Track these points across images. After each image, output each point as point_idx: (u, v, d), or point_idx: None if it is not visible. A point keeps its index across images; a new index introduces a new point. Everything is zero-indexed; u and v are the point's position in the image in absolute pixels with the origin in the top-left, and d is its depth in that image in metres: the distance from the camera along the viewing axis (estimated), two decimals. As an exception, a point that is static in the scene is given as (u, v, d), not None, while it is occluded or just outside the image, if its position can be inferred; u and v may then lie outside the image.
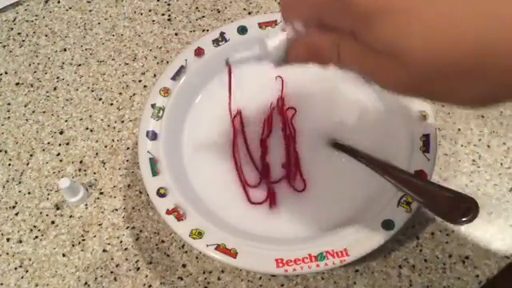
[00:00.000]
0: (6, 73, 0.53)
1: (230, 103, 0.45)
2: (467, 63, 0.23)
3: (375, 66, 0.26)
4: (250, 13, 0.54)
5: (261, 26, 0.46)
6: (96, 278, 0.42)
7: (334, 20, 0.27)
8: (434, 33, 0.23)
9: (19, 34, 0.55)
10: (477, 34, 0.22)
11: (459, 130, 0.46)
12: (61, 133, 0.49)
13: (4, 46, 0.55)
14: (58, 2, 0.57)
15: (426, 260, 0.41)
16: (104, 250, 0.43)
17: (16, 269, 0.43)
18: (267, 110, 0.45)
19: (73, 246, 0.43)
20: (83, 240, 0.43)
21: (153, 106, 0.43)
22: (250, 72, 0.46)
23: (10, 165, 0.47)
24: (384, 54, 0.25)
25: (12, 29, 0.56)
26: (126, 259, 0.42)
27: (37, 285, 0.42)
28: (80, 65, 0.53)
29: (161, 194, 0.39)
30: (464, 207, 0.34)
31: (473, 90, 0.24)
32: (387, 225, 0.37)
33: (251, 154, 0.43)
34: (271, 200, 0.41)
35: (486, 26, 0.22)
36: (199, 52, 0.46)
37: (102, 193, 0.45)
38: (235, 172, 0.42)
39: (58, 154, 0.48)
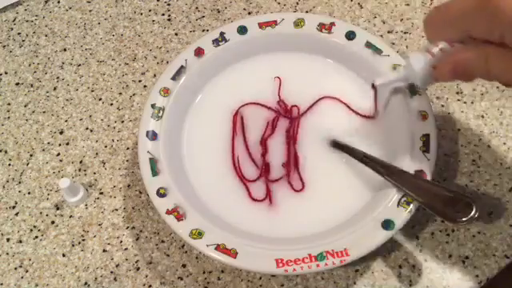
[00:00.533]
0: (5, 73, 0.53)
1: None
2: None
3: None
4: (249, 13, 0.54)
5: (261, 26, 0.46)
6: (96, 278, 0.42)
7: (482, 32, 0.27)
8: None
9: (19, 34, 0.55)
10: None
11: (459, 130, 0.46)
12: (61, 133, 0.49)
13: (4, 46, 0.55)
14: (58, 2, 0.57)
15: (425, 260, 0.41)
16: (104, 250, 0.43)
17: (16, 269, 0.43)
18: (271, 110, 0.45)
19: (73, 246, 0.43)
20: (83, 240, 0.43)
21: (153, 106, 0.43)
22: (250, 71, 0.47)
23: (10, 165, 0.47)
24: None
25: (12, 29, 0.56)
26: (126, 259, 0.42)
27: (37, 285, 0.42)
28: (80, 65, 0.53)
29: (161, 194, 0.39)
30: (464, 207, 0.34)
31: None
32: (387, 225, 0.37)
33: (251, 153, 0.43)
34: (270, 198, 0.41)
35: None
36: (199, 52, 0.46)
37: (101, 193, 0.45)
38: (235, 172, 0.42)
39: (58, 154, 0.48)
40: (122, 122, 0.49)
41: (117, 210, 0.44)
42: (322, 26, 0.45)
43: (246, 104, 0.45)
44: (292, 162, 0.42)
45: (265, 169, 0.42)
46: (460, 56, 0.30)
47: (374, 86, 0.38)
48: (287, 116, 0.45)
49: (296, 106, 0.45)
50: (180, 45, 0.53)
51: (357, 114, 0.44)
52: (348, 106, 0.44)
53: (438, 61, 0.32)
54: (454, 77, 0.31)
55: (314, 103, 0.45)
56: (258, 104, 0.45)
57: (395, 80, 0.36)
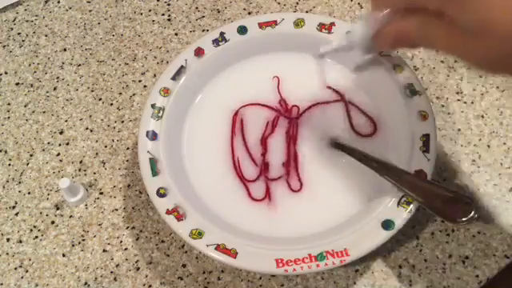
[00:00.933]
0: (5, 73, 0.53)
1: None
2: None
3: (462, 44, 0.27)
4: (249, 13, 0.54)
5: (261, 26, 0.46)
6: (96, 278, 0.42)
7: (421, 1, 0.28)
8: None
9: (19, 34, 0.55)
10: None
11: (459, 130, 0.46)
12: (61, 133, 0.49)
13: (4, 46, 0.55)
14: (58, 2, 0.57)
15: (425, 260, 0.41)
16: (104, 250, 0.43)
17: (16, 269, 0.43)
18: (271, 109, 0.45)
19: (73, 246, 0.43)
20: (83, 240, 0.43)
21: (153, 106, 0.43)
22: (250, 71, 0.47)
23: (10, 165, 0.47)
24: (472, 31, 0.25)
25: (12, 29, 0.56)
26: (126, 259, 0.42)
27: (37, 285, 0.42)
28: (80, 65, 0.53)
29: (161, 194, 0.39)
30: (464, 207, 0.34)
31: None
32: (387, 225, 0.37)
33: (251, 153, 0.43)
34: (270, 197, 0.41)
35: None
36: (199, 52, 0.46)
37: (101, 193, 0.45)
38: (235, 172, 0.42)
39: (58, 154, 0.48)
40: (122, 122, 0.49)
41: (117, 209, 0.44)
42: (321, 26, 0.45)
43: (247, 105, 0.45)
44: (292, 162, 0.42)
45: (264, 168, 0.42)
46: (401, 24, 0.31)
47: (320, 55, 0.39)
48: (287, 116, 0.45)
49: (296, 105, 0.45)
50: (180, 45, 0.53)
51: (354, 129, 0.44)
52: (347, 108, 0.44)
53: (380, 28, 0.33)
54: (396, 44, 0.32)
55: (313, 103, 0.45)
56: (258, 104, 0.45)
57: (339, 48, 0.37)
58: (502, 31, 0.24)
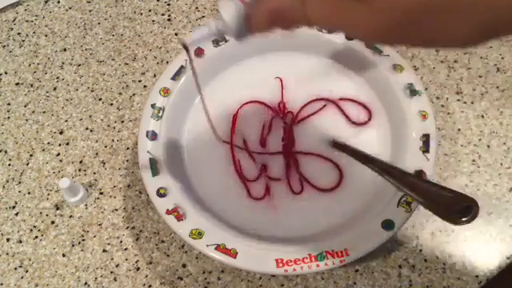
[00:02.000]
0: (5, 73, 0.53)
1: (202, 98, 0.40)
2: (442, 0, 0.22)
3: (347, 16, 0.25)
4: (249, 13, 0.54)
5: (261, 25, 0.46)
6: (96, 278, 0.42)
7: None
8: None
9: (19, 34, 0.55)
10: None
11: (459, 130, 0.46)
12: (61, 133, 0.49)
13: (4, 46, 0.55)
14: (58, 2, 0.57)
15: (425, 260, 0.41)
16: (104, 250, 0.43)
17: (16, 269, 0.43)
18: (268, 111, 0.45)
19: (73, 246, 0.43)
20: (83, 240, 0.43)
21: (153, 106, 0.43)
22: (250, 71, 0.47)
23: (9, 165, 0.47)
24: (354, 1, 0.24)
25: (12, 29, 0.56)
26: (126, 259, 0.42)
27: (37, 285, 0.42)
28: (80, 65, 0.53)
29: (161, 194, 0.39)
30: (464, 207, 0.34)
31: (452, 29, 0.23)
32: (387, 225, 0.37)
33: (251, 153, 0.43)
34: (269, 197, 0.41)
35: None
36: (199, 52, 0.46)
37: (101, 193, 0.45)
38: (235, 172, 0.42)
39: (58, 154, 0.48)
40: (122, 122, 0.49)
41: (117, 210, 0.44)
42: (322, 26, 0.45)
43: (246, 103, 0.45)
44: (291, 162, 0.42)
45: (264, 168, 0.42)
46: (275, 1, 0.27)
47: (184, 46, 0.33)
48: (287, 116, 0.44)
49: (295, 106, 0.45)
50: (180, 45, 0.53)
51: (352, 122, 0.44)
52: (344, 112, 0.44)
53: (252, 8, 0.28)
54: (271, 25, 0.28)
55: (311, 101, 0.45)
56: (258, 102, 0.45)
57: (208, 35, 0.31)
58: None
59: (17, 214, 0.45)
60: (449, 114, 0.47)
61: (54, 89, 0.51)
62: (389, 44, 0.37)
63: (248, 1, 0.28)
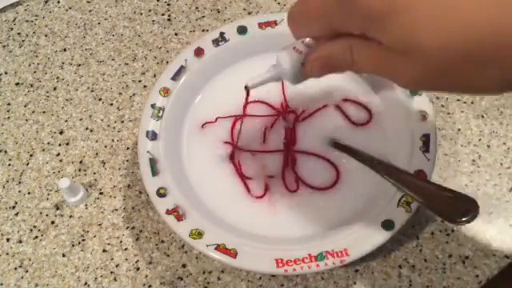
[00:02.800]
0: (5, 73, 0.53)
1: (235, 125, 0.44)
2: (480, 52, 0.23)
3: (389, 65, 0.26)
4: (249, 13, 0.54)
5: (261, 26, 0.46)
6: (96, 278, 0.42)
7: (343, 25, 0.27)
8: (443, 24, 0.23)
9: (19, 34, 0.55)
10: (488, 21, 0.23)
11: (459, 130, 0.46)
12: (61, 133, 0.49)
13: (4, 46, 0.55)
14: (58, 2, 0.57)
15: (425, 260, 0.41)
16: (104, 250, 0.43)
17: (16, 269, 0.43)
18: (271, 108, 0.45)
19: (73, 246, 0.43)
20: (83, 240, 0.43)
21: (153, 106, 0.43)
22: (250, 71, 0.46)
23: (9, 165, 0.47)
24: (397, 51, 0.25)
25: (12, 29, 0.56)
26: (126, 259, 0.42)
27: (37, 285, 0.42)
28: (80, 65, 0.53)
29: (161, 194, 0.39)
30: (464, 207, 0.34)
31: (489, 78, 0.24)
32: (387, 225, 0.37)
33: (251, 153, 0.43)
34: (269, 196, 0.41)
35: (497, 13, 0.23)
36: (199, 52, 0.46)
37: (101, 193, 0.45)
38: (235, 172, 0.42)
39: (58, 154, 0.48)
40: (122, 122, 0.49)
41: (117, 210, 0.44)
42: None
43: (249, 103, 0.45)
44: (291, 162, 0.42)
45: (264, 168, 0.42)
46: (325, 50, 0.30)
47: (246, 88, 0.36)
48: (287, 115, 0.44)
49: (296, 105, 0.45)
50: (180, 45, 0.53)
51: (352, 122, 0.44)
52: (344, 113, 0.44)
53: (306, 57, 0.31)
54: (324, 71, 0.31)
55: (314, 102, 0.45)
56: (260, 102, 0.45)
57: (268, 79, 0.35)
58: (428, 50, 0.24)
59: (17, 214, 0.45)
60: (449, 114, 0.47)
61: (54, 89, 0.51)
62: (429, 91, 0.40)
63: (302, 50, 0.31)
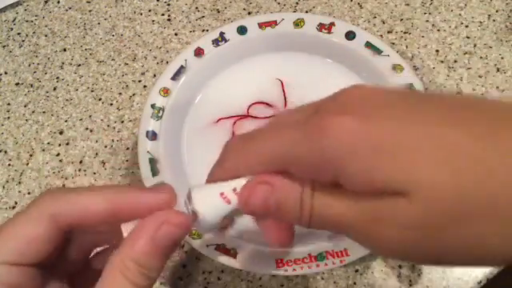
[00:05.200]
0: (5, 73, 0.53)
1: None
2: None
3: (372, 213, 0.21)
4: (249, 13, 0.54)
5: (261, 26, 0.46)
6: (96, 278, 0.42)
7: (310, 173, 0.22)
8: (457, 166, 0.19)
9: (19, 34, 0.55)
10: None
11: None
12: (61, 133, 0.49)
13: (4, 46, 0.55)
14: (58, 2, 0.57)
15: (425, 260, 0.41)
16: (104, 250, 0.43)
17: (16, 269, 0.42)
18: (272, 108, 0.45)
19: (73, 246, 0.43)
20: (83, 240, 0.43)
21: (153, 106, 0.43)
22: (250, 71, 0.47)
23: (9, 165, 0.47)
24: (386, 195, 0.20)
25: (12, 29, 0.56)
26: (126, 259, 0.42)
27: (37, 285, 0.42)
28: (80, 65, 0.53)
29: (161, 194, 0.39)
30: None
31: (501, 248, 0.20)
32: (387, 225, 0.37)
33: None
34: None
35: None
36: (199, 52, 0.46)
37: (101, 193, 0.45)
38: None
39: (58, 154, 0.48)
40: (122, 122, 0.49)
41: (117, 210, 0.44)
42: (321, 26, 0.45)
43: (251, 105, 0.45)
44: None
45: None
46: (278, 187, 0.23)
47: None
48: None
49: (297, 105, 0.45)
50: (180, 45, 0.53)
51: None
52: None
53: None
54: (266, 213, 0.24)
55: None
56: (261, 103, 0.45)
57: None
58: (426, 192, 0.20)
59: (17, 214, 0.45)
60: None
61: (54, 89, 0.51)
62: (415, 262, 0.35)
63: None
